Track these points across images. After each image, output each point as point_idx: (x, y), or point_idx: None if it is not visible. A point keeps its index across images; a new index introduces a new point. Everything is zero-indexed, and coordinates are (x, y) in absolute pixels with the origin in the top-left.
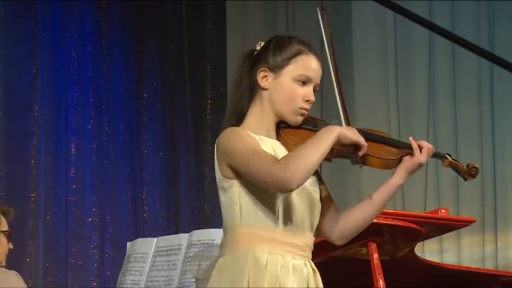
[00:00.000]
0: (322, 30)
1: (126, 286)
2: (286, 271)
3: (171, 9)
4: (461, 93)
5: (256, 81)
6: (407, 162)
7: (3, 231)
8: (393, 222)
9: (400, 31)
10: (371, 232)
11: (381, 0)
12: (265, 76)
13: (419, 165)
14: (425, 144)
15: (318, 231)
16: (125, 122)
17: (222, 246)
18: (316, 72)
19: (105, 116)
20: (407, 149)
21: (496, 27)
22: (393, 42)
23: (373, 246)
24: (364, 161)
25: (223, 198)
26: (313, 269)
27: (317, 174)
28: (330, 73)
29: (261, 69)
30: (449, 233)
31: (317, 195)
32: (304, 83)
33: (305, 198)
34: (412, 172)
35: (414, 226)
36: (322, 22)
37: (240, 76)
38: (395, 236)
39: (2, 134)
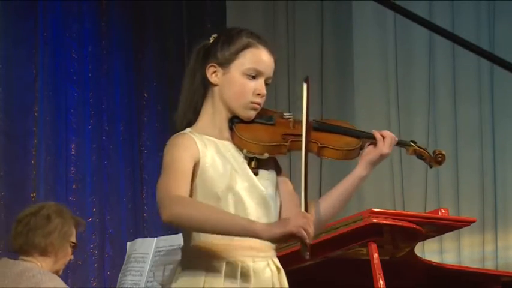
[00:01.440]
0: (304, 102)
1: (126, 286)
2: (246, 277)
3: (171, 9)
4: (461, 93)
5: (207, 77)
6: (370, 154)
7: (71, 242)
8: (393, 222)
9: (400, 31)
10: (371, 232)
11: (381, 0)
12: (215, 71)
13: (382, 156)
14: (388, 134)
15: None
16: (124, 122)
17: (182, 253)
18: (267, 65)
19: (105, 116)
20: (369, 139)
21: (496, 27)
22: (393, 42)
23: (373, 246)
24: (320, 152)
25: None
26: (277, 268)
27: (276, 167)
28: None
29: (210, 64)
30: (449, 233)
31: (270, 192)
32: (254, 76)
33: (257, 197)
34: (375, 163)
35: (414, 226)
36: (307, 94)
37: (193, 71)
38: (395, 236)
39: (2, 134)
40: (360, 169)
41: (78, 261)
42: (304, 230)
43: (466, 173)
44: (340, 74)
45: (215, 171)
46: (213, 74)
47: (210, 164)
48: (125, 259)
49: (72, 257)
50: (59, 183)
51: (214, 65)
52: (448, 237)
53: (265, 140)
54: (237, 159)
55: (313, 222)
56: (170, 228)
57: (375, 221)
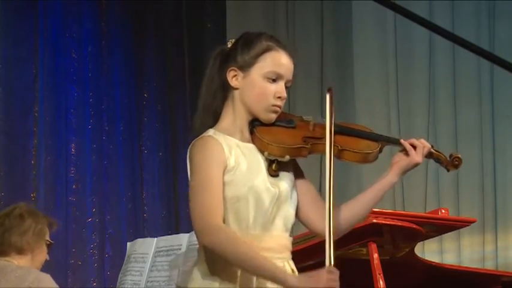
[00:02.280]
0: (327, 113)
1: (126, 286)
2: (262, 279)
3: (171, 9)
4: (461, 94)
5: (227, 81)
6: (403, 161)
7: (46, 240)
8: (393, 222)
9: (400, 31)
10: (371, 232)
11: (381, 0)
12: (235, 75)
13: (415, 165)
14: (417, 143)
15: (306, 226)
16: (124, 122)
17: (198, 253)
18: (286, 68)
19: (105, 116)
20: (388, 143)
21: (496, 27)
22: (393, 42)
23: (373, 246)
24: (340, 155)
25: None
26: (292, 270)
27: (296, 170)
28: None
29: (231, 68)
30: (449, 233)
31: (288, 195)
32: (274, 79)
33: (276, 200)
34: (407, 171)
35: (414, 226)
36: (330, 104)
37: (211, 75)
38: (395, 236)
39: (2, 134)
40: (391, 176)
41: (78, 261)
42: None
43: (466, 173)
44: (340, 75)
45: (238, 172)
46: (234, 78)
47: (233, 166)
48: (125, 259)
49: (48, 256)
50: (59, 183)
51: (235, 68)
52: (448, 237)
53: (286, 142)
54: (259, 161)
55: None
56: (170, 228)
57: (374, 221)
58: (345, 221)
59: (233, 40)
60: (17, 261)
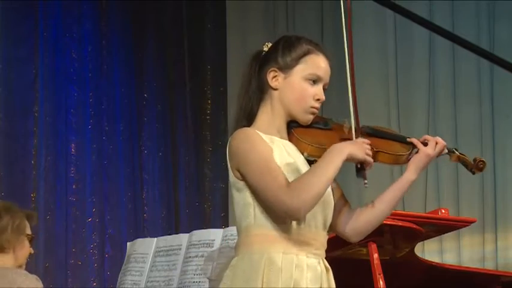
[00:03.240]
0: (343, 21)
1: (126, 286)
2: (301, 270)
3: (171, 9)
4: (461, 94)
5: (266, 82)
6: (417, 157)
7: (26, 235)
8: (393, 222)
9: (400, 31)
10: (371, 232)
11: (381, 0)
12: (275, 76)
13: (428, 157)
14: (430, 137)
15: (331, 228)
16: (124, 122)
17: (236, 247)
18: (325, 71)
19: (105, 116)
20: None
21: (496, 27)
22: (393, 42)
23: (373, 246)
24: (375, 157)
25: (236, 198)
26: (326, 268)
27: None
28: (346, 67)
29: (271, 69)
30: (449, 233)
31: (329, 193)
32: (314, 82)
33: None
34: (423, 166)
35: (414, 226)
36: (345, 12)
37: (249, 77)
38: (395, 236)
39: (2, 134)
40: (409, 173)
41: (78, 261)
42: (369, 156)
43: (466, 173)
44: (340, 74)
45: (282, 164)
46: (274, 79)
47: (278, 158)
48: (125, 259)
49: (31, 249)
50: (59, 183)
51: (275, 69)
52: (448, 237)
53: (325, 143)
54: (300, 158)
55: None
56: (170, 228)
57: None
58: (367, 222)
59: (269, 43)
60: (1, 261)
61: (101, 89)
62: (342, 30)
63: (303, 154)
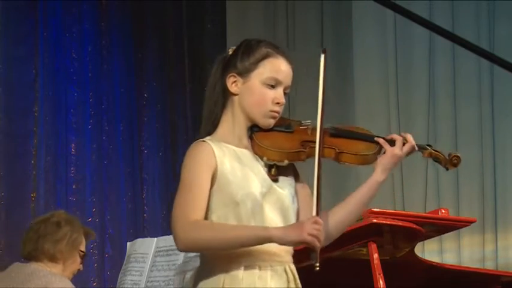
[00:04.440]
0: (321, 74)
1: (126, 286)
2: (264, 280)
3: (171, 9)
4: (461, 93)
5: (226, 87)
6: (383, 158)
7: (80, 251)
8: (393, 222)
9: (400, 31)
10: (371, 232)
11: (381, 0)
12: (235, 81)
13: (395, 157)
14: (397, 136)
15: None
16: (125, 122)
17: (200, 258)
18: (285, 75)
19: (105, 116)
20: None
21: (496, 27)
22: (393, 42)
23: (373, 246)
24: (339, 158)
25: None
26: (293, 274)
27: (294, 174)
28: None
29: (230, 74)
30: (449, 233)
31: (288, 198)
32: (273, 86)
33: (275, 203)
34: (390, 166)
35: (414, 226)
36: (324, 65)
37: (213, 81)
38: (395, 236)
39: (2, 134)
40: (376, 174)
41: None
42: (316, 237)
43: (466, 173)
44: (340, 75)
45: (234, 177)
46: (233, 84)
47: (229, 171)
48: (125, 259)
49: (81, 266)
50: (59, 183)
51: (234, 74)
52: (448, 237)
53: (284, 147)
54: (256, 166)
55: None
56: (170, 228)
57: (375, 221)
58: (336, 225)
59: (234, 47)
60: (49, 268)
61: (101, 89)
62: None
63: (262, 159)
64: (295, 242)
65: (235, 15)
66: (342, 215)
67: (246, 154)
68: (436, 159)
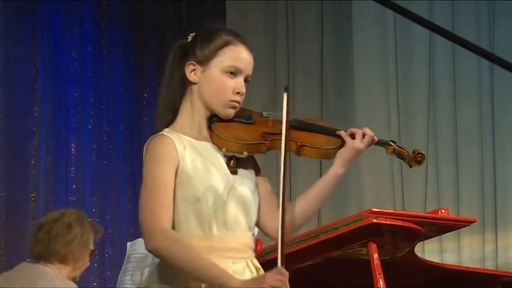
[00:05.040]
0: (284, 112)
1: (126, 286)
2: None
3: (171, 9)
4: (461, 93)
5: (185, 75)
6: (343, 150)
7: (90, 250)
8: (393, 222)
9: (400, 31)
10: (371, 232)
11: (381, 0)
12: (194, 69)
13: (355, 150)
14: (356, 130)
15: (259, 228)
16: (125, 122)
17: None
18: (246, 63)
19: (105, 116)
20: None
21: (496, 27)
22: (393, 42)
23: (373, 246)
24: (300, 151)
25: None
26: (256, 268)
27: (254, 167)
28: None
29: (189, 62)
30: (449, 233)
31: (249, 191)
32: (233, 74)
33: (237, 198)
34: (350, 159)
35: (414, 226)
36: (287, 103)
37: (171, 69)
38: (395, 236)
39: (2, 134)
40: (335, 167)
41: None
42: None
43: (466, 173)
44: (340, 74)
45: (195, 172)
46: (192, 72)
47: (189, 166)
48: (125, 259)
49: (89, 263)
50: (59, 183)
51: (194, 62)
52: (448, 237)
53: (244, 138)
54: (217, 159)
55: (288, 229)
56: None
57: (375, 221)
58: (299, 216)
59: (193, 34)
60: (58, 270)
61: (101, 89)
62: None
63: (221, 150)
64: None
65: (235, 15)
66: (304, 206)
67: (207, 147)
68: (400, 156)
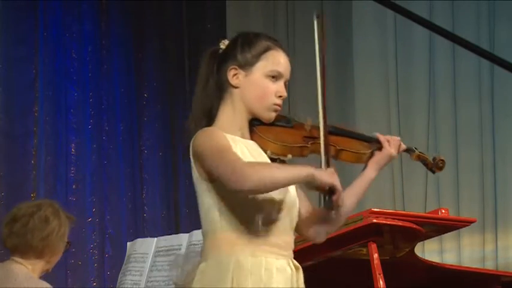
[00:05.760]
0: (316, 39)
1: (126, 286)
2: (270, 273)
3: (171, 9)
4: (461, 93)
5: (227, 80)
6: (378, 156)
7: (66, 242)
8: (393, 222)
9: (400, 31)
10: (371, 232)
11: (381, 0)
12: (236, 74)
13: (390, 157)
14: (392, 137)
15: (296, 231)
16: (125, 122)
17: (203, 250)
18: (285, 67)
19: (105, 116)
20: (377, 144)
21: (496, 27)
22: (393, 42)
23: (373, 246)
24: (338, 155)
25: (201, 201)
26: (296, 267)
27: None
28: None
29: (231, 67)
30: (449, 233)
31: (294, 194)
32: (275, 78)
33: (283, 195)
34: (383, 165)
35: (414, 226)
36: (318, 30)
37: (206, 75)
38: (395, 236)
39: (2, 134)
40: (370, 171)
41: (78, 261)
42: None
43: (466, 173)
44: (340, 74)
45: None
46: (234, 77)
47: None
48: (125, 259)
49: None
50: (59, 183)
51: (236, 67)
52: (448, 237)
53: (288, 141)
54: (264, 158)
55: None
56: (170, 228)
57: (375, 221)
58: (330, 224)
59: (226, 41)
60: (31, 266)
61: (101, 89)
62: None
63: (266, 152)
64: (327, 183)
65: (235, 15)
66: (336, 213)
67: (254, 145)
68: (424, 162)
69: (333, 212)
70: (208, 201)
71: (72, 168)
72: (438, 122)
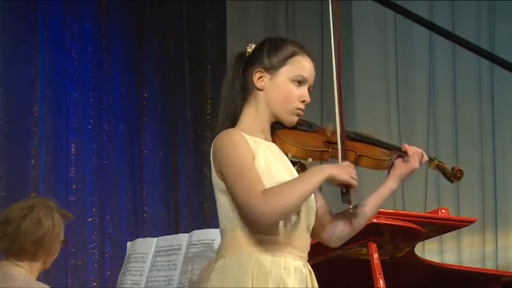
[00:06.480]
0: (331, 21)
1: (126, 286)
2: (288, 272)
3: (171, 9)
4: (461, 94)
5: (252, 82)
6: (402, 168)
7: (62, 241)
8: (393, 222)
9: (400, 31)
10: (371, 232)
11: (381, 0)
12: (261, 77)
13: (413, 171)
14: (417, 150)
15: (312, 234)
16: (125, 122)
17: (221, 248)
18: (310, 73)
19: (105, 116)
20: (398, 152)
21: (496, 27)
22: (393, 43)
23: (373, 246)
24: (358, 161)
25: (220, 200)
26: (309, 271)
27: None
28: (333, 70)
29: (257, 70)
30: (449, 233)
31: (313, 198)
32: (299, 83)
33: None
34: (405, 177)
35: (414, 226)
36: (333, 13)
37: (233, 78)
38: (395, 236)
39: (2, 134)
40: (391, 182)
41: (78, 261)
42: (355, 180)
43: (466, 174)
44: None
45: (266, 167)
46: (259, 79)
47: (262, 161)
48: (125, 259)
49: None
50: (59, 183)
51: (261, 70)
52: (448, 237)
53: (309, 145)
54: (285, 159)
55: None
56: (170, 228)
57: (375, 221)
58: (348, 229)
59: (253, 45)
60: (28, 267)
61: (101, 89)
62: (330, 35)
63: (287, 155)
64: (344, 181)
65: (235, 15)
66: (354, 220)
67: (275, 147)
68: (442, 171)
69: (351, 208)
70: (227, 200)
71: (72, 168)
72: (438, 122)
